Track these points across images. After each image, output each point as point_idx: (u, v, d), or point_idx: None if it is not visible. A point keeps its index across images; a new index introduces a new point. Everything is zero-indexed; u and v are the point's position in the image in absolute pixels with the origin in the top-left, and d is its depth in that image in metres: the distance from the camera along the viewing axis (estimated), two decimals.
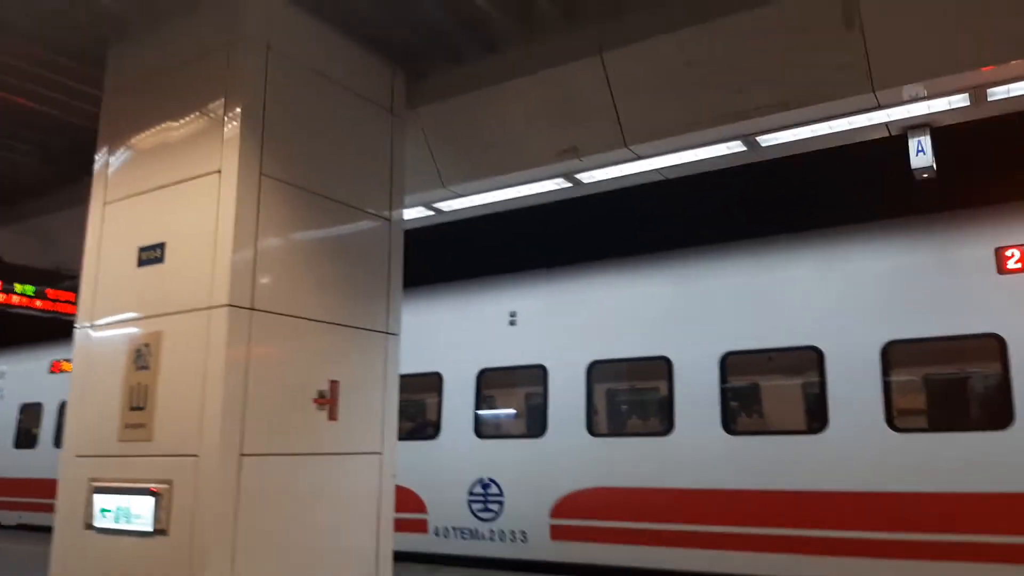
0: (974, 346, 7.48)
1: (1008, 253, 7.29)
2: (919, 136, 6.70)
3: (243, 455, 5.35)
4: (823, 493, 7.58)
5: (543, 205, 8.30)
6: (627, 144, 6.69)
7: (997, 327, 7.17)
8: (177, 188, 5.85)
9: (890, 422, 7.42)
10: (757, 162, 7.36)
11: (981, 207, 7.95)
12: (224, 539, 5.18)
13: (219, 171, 5.62)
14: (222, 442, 5.23)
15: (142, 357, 5.73)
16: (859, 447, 7.50)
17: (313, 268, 6.14)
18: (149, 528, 5.34)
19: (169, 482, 5.34)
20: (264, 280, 5.66)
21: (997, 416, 7.09)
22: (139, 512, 5.42)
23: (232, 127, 5.66)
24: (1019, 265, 7.23)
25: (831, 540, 7.49)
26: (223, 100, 5.75)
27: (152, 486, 5.38)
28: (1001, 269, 7.28)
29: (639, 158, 6.97)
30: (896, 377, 7.73)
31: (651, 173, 7.40)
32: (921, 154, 6.74)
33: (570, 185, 7.60)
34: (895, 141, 6.88)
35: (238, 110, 5.65)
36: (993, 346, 7.18)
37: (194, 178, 5.75)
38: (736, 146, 6.80)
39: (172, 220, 5.84)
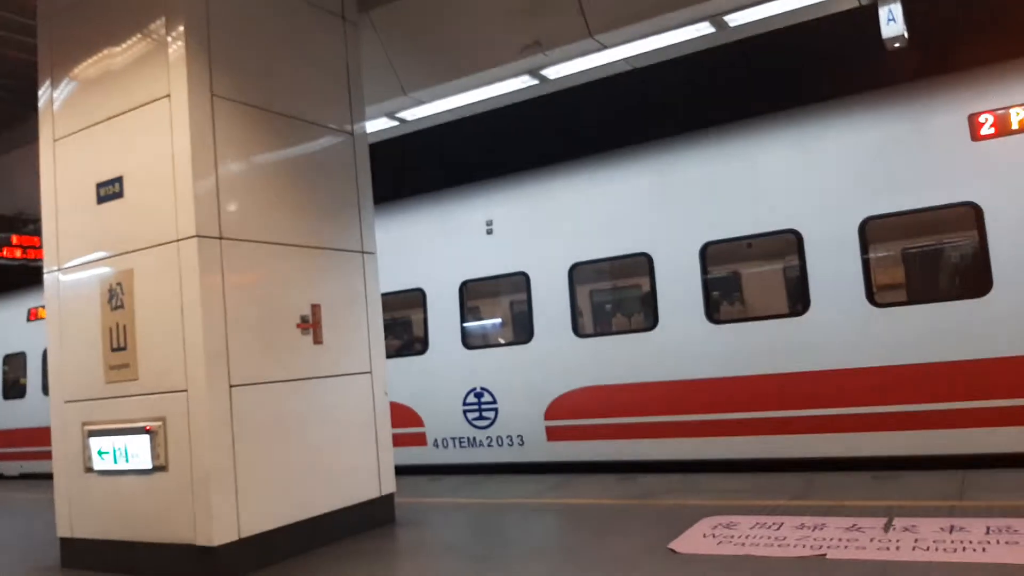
0: (951, 216, 7.47)
1: (981, 119, 7.20)
2: (889, 4, 6.52)
3: (232, 386, 5.35)
4: (808, 373, 7.70)
5: (511, 106, 8.09)
6: (592, 33, 6.46)
7: (973, 195, 7.15)
8: (127, 117, 5.63)
9: (870, 298, 7.48)
10: (727, 45, 7.17)
11: (952, 73, 7.81)
12: (224, 469, 5.23)
13: (168, 96, 5.40)
14: (209, 375, 5.21)
15: (116, 297, 5.64)
16: (841, 326, 7.59)
17: (279, 191, 5.99)
18: (148, 465, 5.39)
19: (162, 419, 5.35)
20: (230, 207, 5.52)
21: (976, 284, 7.16)
22: (136, 451, 5.45)
23: (176, 48, 5.40)
24: (993, 131, 7.14)
25: (817, 419, 7.66)
26: (164, 19, 5.48)
27: (146, 424, 5.41)
28: (975, 136, 7.21)
29: (605, 48, 6.75)
30: (875, 253, 7.76)
31: (619, 64, 7.19)
32: (892, 23, 6.57)
33: (536, 82, 7.39)
34: (865, 12, 6.69)
35: (180, 29, 5.39)
36: (970, 215, 7.18)
37: (143, 105, 5.53)
38: (704, 27, 6.59)
39: (127, 152, 5.65)
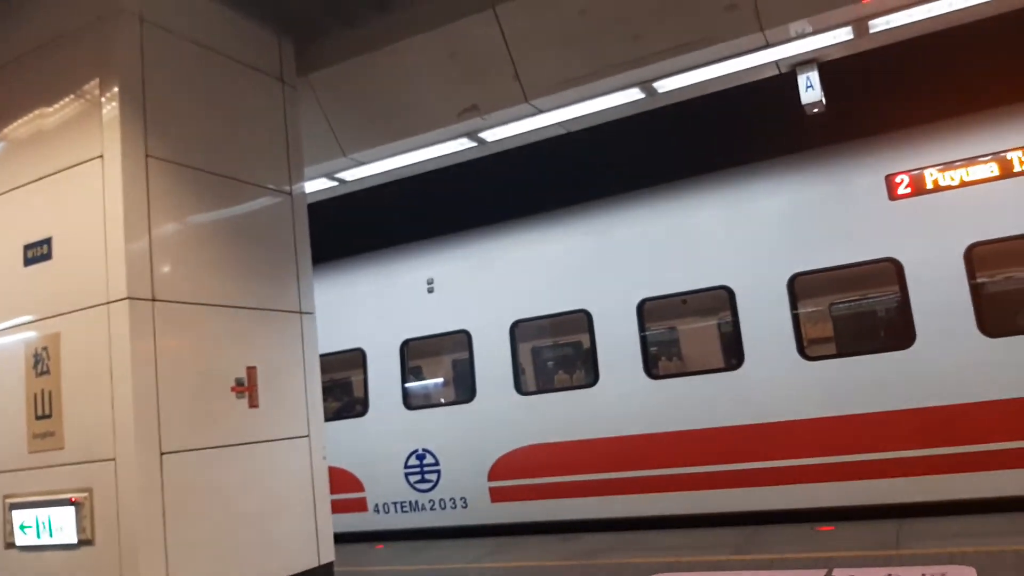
0: (873, 271, 7.80)
1: (897, 179, 7.59)
2: (807, 72, 6.89)
3: (164, 453, 5.15)
4: (744, 427, 7.82)
5: (450, 167, 8.19)
6: (528, 99, 6.64)
7: (893, 251, 7.48)
8: (58, 178, 5.49)
9: (801, 351, 7.69)
10: (656, 108, 7.44)
11: (869, 136, 8.24)
12: (153, 542, 5.00)
13: (101, 156, 5.30)
14: (139, 442, 5.01)
15: (41, 362, 5.42)
16: (774, 379, 7.77)
17: (215, 251, 5.89)
18: (73, 540, 5.10)
19: (88, 490, 5.10)
20: (163, 268, 5.40)
21: (900, 337, 7.44)
22: (60, 524, 5.17)
23: (111, 108, 5.33)
24: (909, 190, 7.54)
25: (754, 472, 7.76)
26: (98, 80, 5.42)
27: (71, 496, 5.14)
28: (892, 195, 7.58)
29: (541, 112, 6.93)
30: (804, 308, 8.02)
31: (554, 127, 7.38)
32: (810, 89, 6.93)
33: (475, 145, 7.51)
34: (785, 79, 7.04)
35: (115, 89, 5.33)
36: (890, 270, 7.50)
37: (75, 165, 5.41)
38: (634, 93, 6.84)
39: (57, 213, 5.50)
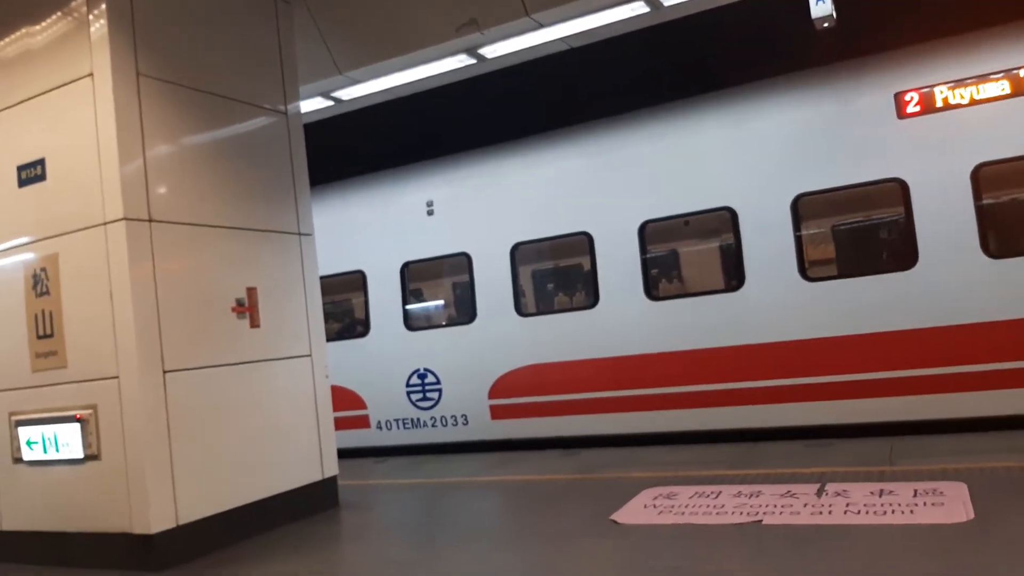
0: (879, 192, 7.71)
1: (907, 97, 7.42)
2: None
3: (166, 371, 5.23)
4: (743, 347, 7.89)
5: (449, 86, 8.02)
6: (528, 12, 6.44)
7: (900, 172, 7.38)
8: (48, 97, 5.43)
9: (803, 273, 7.68)
10: (663, 24, 7.23)
11: (878, 53, 8.03)
12: (159, 458, 5.13)
13: (91, 74, 5.22)
14: (141, 361, 5.09)
15: (40, 283, 5.45)
16: (774, 300, 7.79)
17: (211, 172, 5.85)
18: (80, 455, 5.25)
19: (93, 407, 5.21)
20: (160, 189, 5.37)
21: (903, 258, 7.41)
22: (67, 440, 5.31)
23: (99, 25, 5.21)
24: (918, 108, 7.38)
25: (751, 391, 7.86)
26: None
27: (76, 413, 5.25)
28: (901, 114, 7.43)
29: (542, 26, 6.73)
30: (806, 230, 7.97)
31: (556, 43, 7.19)
32: (821, 3, 6.72)
33: (474, 61, 7.33)
34: None
35: (103, 6, 5.20)
36: (896, 191, 7.42)
37: (65, 84, 5.33)
38: (639, 7, 6.63)
39: (49, 133, 5.45)
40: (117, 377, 5.12)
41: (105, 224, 5.15)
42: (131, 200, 5.15)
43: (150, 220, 5.27)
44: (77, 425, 5.24)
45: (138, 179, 5.23)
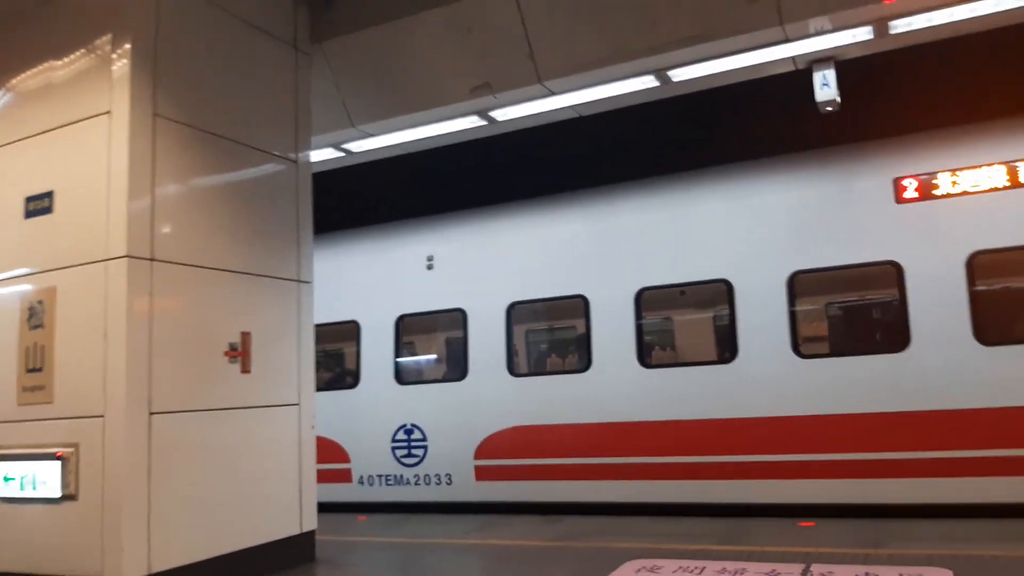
0: (874, 274, 7.79)
1: (904, 183, 7.57)
2: (824, 69, 6.84)
3: (152, 413, 5.16)
4: (735, 420, 7.85)
5: (458, 144, 8.14)
6: (541, 79, 6.59)
7: (895, 255, 7.47)
8: (64, 132, 5.47)
9: (796, 349, 7.71)
10: (669, 98, 7.40)
11: (880, 138, 8.21)
12: (138, 501, 5.01)
13: (109, 112, 5.27)
14: (128, 401, 5.02)
15: (36, 315, 5.40)
16: (767, 374, 7.79)
17: (217, 215, 5.87)
18: (57, 494, 5.13)
19: (75, 445, 5.12)
20: (164, 229, 5.38)
21: (895, 339, 7.45)
22: (44, 478, 5.19)
23: (121, 64, 5.28)
24: (916, 194, 7.51)
25: (739, 465, 7.80)
26: (111, 35, 5.37)
27: (57, 450, 5.15)
28: (899, 199, 7.56)
29: (553, 94, 6.88)
30: (801, 306, 8.02)
31: (566, 110, 7.34)
32: (826, 87, 6.89)
33: (484, 123, 7.46)
34: (801, 75, 7.00)
35: (127, 46, 5.28)
36: (891, 273, 7.50)
37: (82, 120, 5.38)
38: (649, 81, 6.79)
39: (61, 167, 5.47)
40: (103, 416, 5.04)
41: (107, 260, 5.14)
42: (135, 238, 5.16)
43: (152, 259, 5.26)
44: (57, 463, 5.13)
45: (144, 218, 5.24)
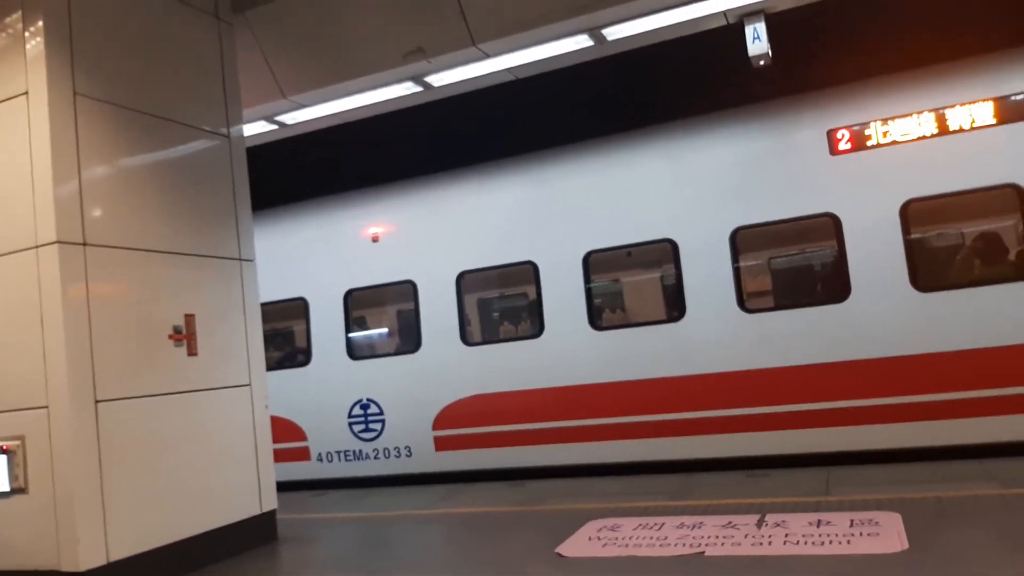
0: (813, 226, 7.94)
1: (839, 135, 7.69)
2: (755, 23, 6.90)
3: (98, 401, 5.04)
4: (686, 378, 7.98)
5: (396, 112, 8.02)
6: (475, 42, 6.51)
7: (832, 207, 7.61)
8: None
9: (741, 304, 7.84)
10: (606, 57, 7.38)
11: (812, 91, 8.31)
12: (90, 491, 4.92)
13: (26, 93, 5.06)
14: (72, 390, 4.90)
15: None
16: (714, 331, 7.92)
17: (150, 195, 5.70)
18: (5, 488, 5.02)
19: (20, 438, 5.00)
20: (95, 212, 5.21)
21: (836, 291, 7.63)
22: None
23: (35, 43, 5.07)
24: (849, 145, 7.64)
25: (692, 421, 7.95)
26: (20, 12, 5.14)
27: (2, 444, 5.03)
28: (833, 150, 7.69)
29: (488, 56, 6.81)
30: (745, 262, 8.15)
31: (501, 73, 7.28)
32: (757, 41, 6.93)
33: (420, 89, 7.36)
34: (733, 30, 7.04)
35: (40, 23, 5.07)
36: (829, 225, 7.65)
37: None
38: (583, 40, 6.76)
39: None
40: (46, 407, 4.92)
41: (37, 247, 4.97)
42: (65, 223, 4.99)
43: (84, 244, 5.10)
44: (3, 457, 5.00)
45: (73, 201, 5.07)
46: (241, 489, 6.13)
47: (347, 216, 9.91)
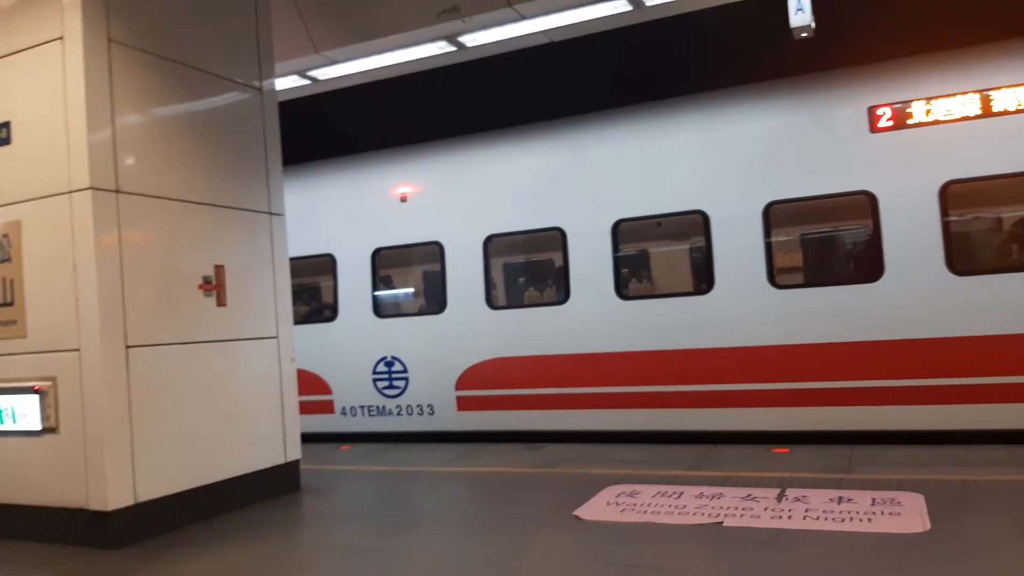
0: (849, 204, 7.80)
1: (879, 112, 7.52)
2: None
3: (129, 346, 5.13)
4: (711, 350, 7.94)
5: (431, 72, 7.95)
6: (511, 3, 6.41)
7: (869, 185, 7.47)
8: (16, 59, 5.28)
9: (771, 279, 7.76)
10: (642, 24, 7.25)
11: (855, 66, 8.12)
12: (119, 433, 5.02)
13: (61, 38, 5.08)
14: (103, 335, 4.98)
15: (2, 249, 5.31)
16: (742, 305, 7.85)
17: (181, 145, 5.73)
18: (37, 427, 5.14)
19: (52, 379, 5.11)
20: (128, 160, 5.25)
21: (869, 270, 7.52)
22: (24, 411, 5.20)
23: None
24: (890, 123, 7.47)
25: (719, 394, 7.93)
26: None
27: (35, 384, 5.13)
28: (873, 128, 7.53)
29: (523, 18, 6.71)
30: (777, 237, 8.04)
31: (537, 35, 7.17)
32: (800, 12, 6.77)
33: (454, 49, 7.28)
34: (775, 0, 6.87)
35: None
36: (865, 203, 7.52)
37: (34, 47, 5.19)
38: (622, 5, 6.64)
39: (15, 96, 5.30)
40: (78, 350, 5.01)
41: (71, 192, 5.03)
42: (98, 169, 5.03)
43: (117, 191, 5.14)
44: (36, 396, 5.12)
45: (106, 148, 5.10)
46: (266, 438, 6.23)
47: (377, 175, 9.90)
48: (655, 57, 12.33)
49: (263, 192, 6.38)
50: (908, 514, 4.63)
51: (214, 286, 5.80)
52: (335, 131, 12.05)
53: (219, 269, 5.85)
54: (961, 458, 6.24)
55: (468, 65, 7.96)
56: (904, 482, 5.44)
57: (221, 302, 5.85)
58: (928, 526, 4.38)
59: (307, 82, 7.93)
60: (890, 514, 4.66)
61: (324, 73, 7.75)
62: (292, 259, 6.76)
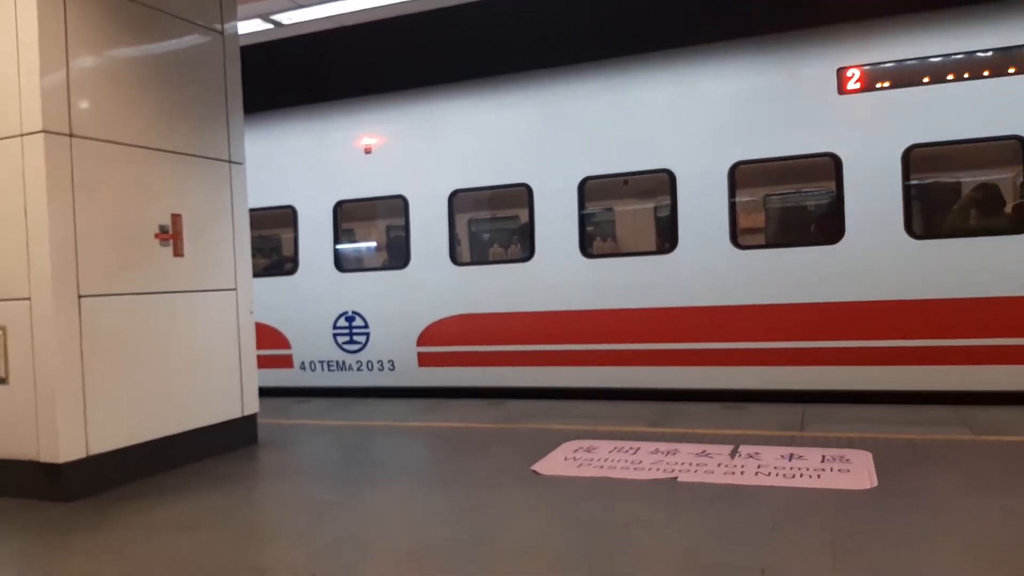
0: (813, 165, 7.85)
1: (849, 73, 7.53)
2: None
3: (82, 296, 5.00)
4: (673, 309, 8.02)
5: (398, 18, 7.76)
6: None
7: (834, 147, 7.52)
8: None
9: (734, 240, 7.82)
10: None
11: (824, 26, 8.10)
12: (70, 384, 4.93)
13: None
14: (55, 283, 4.86)
15: None
16: (706, 265, 7.92)
17: (139, 90, 5.54)
18: None
19: (2, 328, 5.00)
20: (82, 103, 5.07)
21: (830, 232, 7.61)
22: None
23: None
24: (859, 85, 7.50)
25: (679, 352, 8.03)
26: None
27: None
28: (842, 89, 7.54)
29: None
30: (741, 197, 8.09)
31: None
32: None
33: None
34: None
35: None
36: (829, 165, 7.57)
37: None
38: None
39: None
40: (29, 299, 4.88)
41: (22, 136, 4.85)
42: (51, 112, 4.85)
43: (71, 135, 4.98)
44: None
45: (60, 91, 4.92)
46: (223, 392, 6.17)
47: (341, 126, 9.71)
48: (626, 10, 12.16)
49: (223, 140, 6.21)
50: (856, 471, 4.76)
51: (171, 235, 5.68)
52: (299, 78, 11.74)
53: (176, 218, 5.72)
54: (910, 418, 6.42)
55: (436, 13, 7.77)
56: (854, 440, 5.59)
57: (178, 252, 5.74)
58: (875, 483, 4.52)
59: (271, 26, 7.71)
60: (839, 471, 4.80)
61: (289, 17, 7.53)
62: (252, 210, 6.63)
